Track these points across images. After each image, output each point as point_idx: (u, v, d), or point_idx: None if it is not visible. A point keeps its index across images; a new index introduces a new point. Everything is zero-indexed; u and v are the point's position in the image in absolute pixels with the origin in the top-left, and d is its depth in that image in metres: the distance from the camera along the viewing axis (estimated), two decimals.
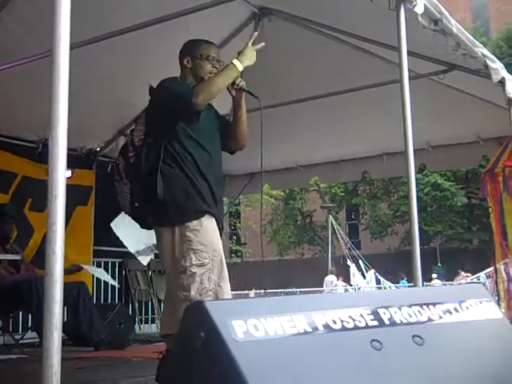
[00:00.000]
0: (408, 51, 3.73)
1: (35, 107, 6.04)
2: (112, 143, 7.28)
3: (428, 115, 6.07)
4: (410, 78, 5.19)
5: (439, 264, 25.64)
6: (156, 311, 8.01)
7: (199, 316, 1.42)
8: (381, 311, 1.66)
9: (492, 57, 4.66)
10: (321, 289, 21.22)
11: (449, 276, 23.05)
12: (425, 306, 1.75)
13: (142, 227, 3.27)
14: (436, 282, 21.75)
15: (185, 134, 3.10)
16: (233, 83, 3.13)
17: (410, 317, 1.70)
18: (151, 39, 5.27)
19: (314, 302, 1.69)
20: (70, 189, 6.73)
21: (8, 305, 5.00)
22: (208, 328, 1.38)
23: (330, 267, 23.03)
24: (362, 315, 1.63)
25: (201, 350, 1.37)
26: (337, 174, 8.04)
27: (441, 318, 1.76)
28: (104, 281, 7.32)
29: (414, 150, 6.65)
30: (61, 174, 1.73)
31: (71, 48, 5.04)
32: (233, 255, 32.76)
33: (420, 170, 8.27)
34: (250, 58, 3.11)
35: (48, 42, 4.83)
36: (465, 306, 1.82)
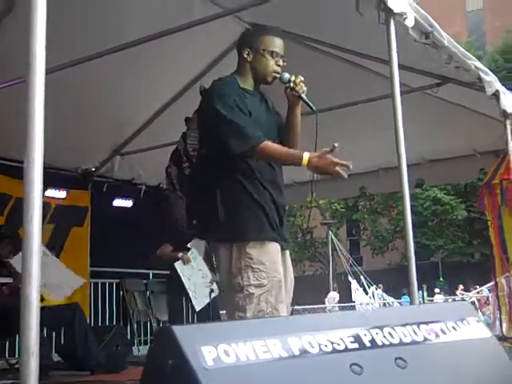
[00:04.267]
0: (400, 65, 3.70)
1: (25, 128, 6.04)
2: (107, 163, 7.24)
3: (423, 129, 6.05)
4: (404, 92, 5.19)
5: (441, 279, 25.51)
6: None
7: (167, 342, 1.34)
8: (361, 333, 1.58)
9: (486, 69, 4.64)
10: (323, 306, 21.10)
11: (451, 290, 22.93)
12: (408, 327, 1.66)
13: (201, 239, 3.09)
14: (438, 296, 21.63)
15: None
16: (292, 88, 2.89)
17: (393, 338, 1.61)
18: (143, 58, 5.26)
19: (290, 324, 1.60)
20: (65, 209, 6.67)
21: (2, 329, 4.92)
22: (176, 355, 1.32)
23: (331, 284, 22.90)
24: (341, 338, 1.54)
25: (169, 378, 1.30)
26: (334, 190, 7.97)
27: (425, 338, 1.67)
28: (101, 303, 7.29)
29: (411, 165, 6.62)
30: (36, 194, 1.67)
31: (62, 68, 5.03)
32: None
33: (418, 184, 8.23)
34: (323, 165, 2.71)
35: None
36: (451, 325, 1.72)
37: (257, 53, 2.91)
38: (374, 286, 20.53)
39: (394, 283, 22.60)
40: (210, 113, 2.82)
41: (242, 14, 5.09)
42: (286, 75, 2.92)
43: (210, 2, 4.64)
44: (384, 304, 19.76)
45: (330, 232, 25.17)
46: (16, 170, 6.63)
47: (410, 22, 3.44)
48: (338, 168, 2.70)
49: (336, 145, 2.73)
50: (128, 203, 7.76)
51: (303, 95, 2.93)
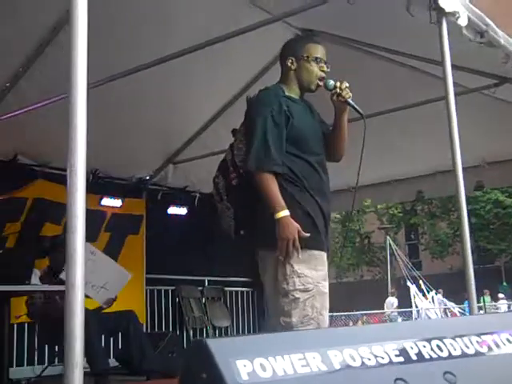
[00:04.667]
0: (455, 65, 3.60)
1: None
2: (161, 171, 7.32)
3: (482, 130, 5.87)
4: (461, 93, 5.06)
5: (504, 283, 24.76)
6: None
7: (201, 355, 1.30)
8: (408, 345, 1.49)
9: None
10: (382, 311, 20.80)
11: None
12: (458, 339, 1.56)
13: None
14: (502, 301, 21.01)
15: (290, 153, 2.84)
16: (338, 95, 2.86)
17: (441, 351, 1.51)
18: (193, 68, 5.29)
19: (331, 336, 1.53)
20: (121, 218, 6.77)
21: (55, 337, 5.01)
22: (210, 368, 1.27)
23: (389, 289, 22.54)
24: (385, 351, 1.45)
25: None
26: (390, 195, 7.85)
27: (477, 351, 1.57)
28: (157, 309, 7.36)
29: (469, 167, 6.46)
30: (80, 205, 1.67)
31: (115, 78, 5.10)
32: None
33: (478, 187, 7.99)
34: (287, 230, 2.67)
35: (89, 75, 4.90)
36: (505, 337, 1.62)
37: (301, 60, 2.94)
38: (434, 290, 20.08)
39: (456, 288, 22.03)
40: (249, 121, 2.87)
41: (291, 19, 5.06)
42: (331, 82, 2.90)
43: (258, 8, 4.62)
44: (445, 310, 19.30)
45: (388, 237, 24.80)
46: None
47: (463, 21, 3.34)
48: (287, 244, 2.66)
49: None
50: (183, 211, 7.81)
51: (350, 100, 2.88)
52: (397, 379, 1.40)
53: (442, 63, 3.39)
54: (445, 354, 1.52)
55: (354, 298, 27.01)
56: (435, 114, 5.51)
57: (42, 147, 6.07)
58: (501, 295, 21.82)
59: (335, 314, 21.10)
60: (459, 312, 17.57)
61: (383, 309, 20.91)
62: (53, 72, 4.97)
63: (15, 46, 4.81)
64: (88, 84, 1.83)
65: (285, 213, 2.68)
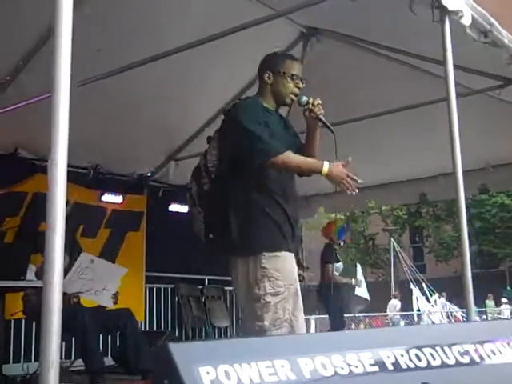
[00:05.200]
0: (459, 66, 3.54)
1: (82, 134, 6.11)
2: (163, 168, 7.27)
3: (487, 133, 5.80)
4: (466, 95, 4.99)
5: (508, 288, 24.63)
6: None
7: (164, 360, 1.24)
8: (384, 354, 1.40)
9: None
10: (385, 314, 20.69)
11: None
12: (439, 348, 1.47)
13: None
14: (505, 306, 20.89)
15: None
16: (311, 111, 3.00)
17: (420, 361, 1.43)
18: (197, 62, 5.24)
19: (303, 343, 1.44)
20: (121, 214, 6.74)
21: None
22: (171, 375, 1.20)
23: (392, 291, 22.44)
24: (359, 359, 1.37)
25: None
26: (393, 196, 7.79)
27: (457, 361, 1.48)
28: (156, 308, 7.33)
29: (473, 170, 6.38)
30: (59, 200, 1.61)
31: (118, 72, 5.06)
32: None
33: (483, 190, 7.92)
34: (336, 173, 2.84)
35: (89, 70, 4.83)
36: (494, 346, 1.54)
37: (277, 75, 3.07)
38: (437, 294, 19.96)
39: (460, 291, 21.87)
40: (237, 128, 2.96)
41: (294, 15, 5.01)
42: (304, 98, 3.05)
43: (261, 3, 4.58)
44: (447, 313, 19.18)
45: (392, 239, 24.69)
46: (74, 175, 6.72)
47: (466, 21, 3.28)
48: (346, 181, 2.82)
49: (350, 159, 2.90)
50: (184, 208, 7.73)
51: (321, 117, 3.01)
52: None
53: (443, 63, 3.33)
54: (423, 363, 1.45)
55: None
56: (438, 115, 5.47)
57: (43, 141, 6.00)
58: (504, 300, 21.70)
59: None
60: (462, 316, 17.44)
61: (386, 311, 20.80)
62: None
63: (15, 39, 4.77)
64: (74, 80, 1.79)
65: (326, 165, 2.84)
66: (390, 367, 1.40)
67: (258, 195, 2.93)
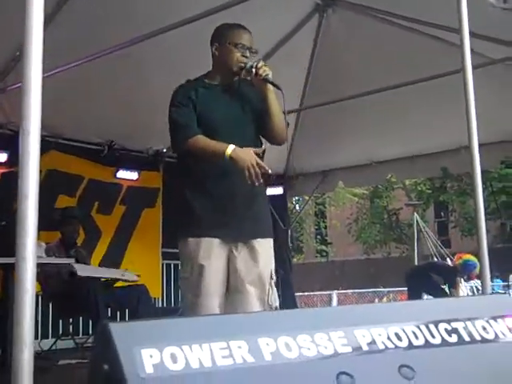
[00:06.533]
0: (477, 34, 3.38)
1: (97, 110, 6.06)
2: None
3: (508, 104, 5.62)
4: (486, 65, 4.81)
5: None
6: None
7: (105, 342, 1.09)
8: (358, 333, 1.23)
9: None
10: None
11: None
12: (423, 326, 1.30)
13: None
14: None
15: None
16: (256, 73, 2.89)
17: (400, 340, 1.25)
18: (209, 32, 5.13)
19: (264, 322, 1.27)
20: (137, 191, 6.74)
21: (68, 309, 4.97)
22: (111, 359, 1.06)
23: None
24: (330, 339, 1.20)
25: None
26: (413, 170, 7.64)
27: (444, 340, 1.31)
28: (174, 284, 7.30)
29: (495, 143, 6.20)
30: (32, 171, 1.51)
31: (129, 44, 4.96)
32: (317, 255, 32.41)
33: (509, 164, 7.73)
34: (243, 157, 2.76)
35: (100, 43, 4.75)
36: (481, 324, 1.38)
37: (223, 46, 3.02)
38: None
39: None
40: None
41: None
42: (249, 64, 2.95)
43: None
44: (471, 287, 18.98)
45: (416, 214, 24.42)
46: (89, 152, 6.72)
47: None
48: (251, 168, 2.71)
49: (264, 147, 2.92)
50: None
51: (268, 77, 2.90)
52: (340, 373, 1.17)
53: (459, 31, 3.18)
54: (403, 343, 1.27)
55: (382, 274, 26.77)
56: (459, 86, 5.30)
57: (56, 118, 5.97)
58: None
59: (361, 290, 20.94)
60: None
61: None
62: (64, 40, 4.87)
63: (25, 14, 4.70)
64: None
65: (230, 147, 2.78)
66: (365, 348, 1.25)
67: (185, 181, 3.01)
